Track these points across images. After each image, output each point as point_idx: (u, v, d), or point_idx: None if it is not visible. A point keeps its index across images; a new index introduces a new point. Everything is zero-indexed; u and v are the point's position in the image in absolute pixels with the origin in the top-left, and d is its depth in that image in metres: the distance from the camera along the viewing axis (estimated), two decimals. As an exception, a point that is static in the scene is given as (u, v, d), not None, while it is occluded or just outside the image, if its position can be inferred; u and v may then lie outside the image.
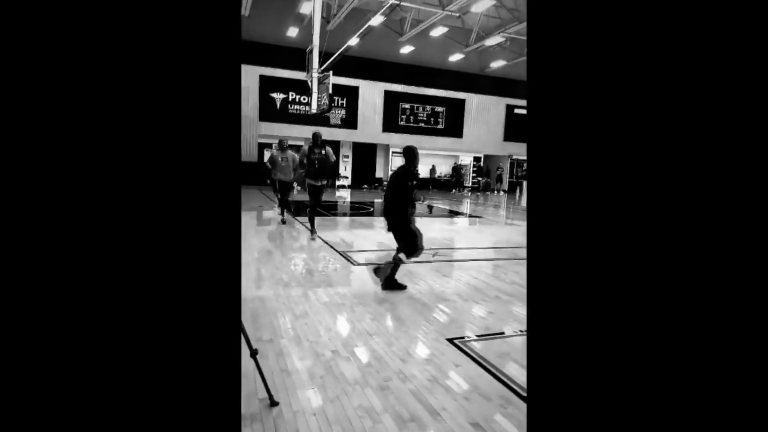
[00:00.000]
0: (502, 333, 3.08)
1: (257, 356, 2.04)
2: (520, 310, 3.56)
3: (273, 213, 8.90)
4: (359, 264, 4.95)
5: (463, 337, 2.92)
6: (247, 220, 8.19)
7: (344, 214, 10.02)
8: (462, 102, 19.11)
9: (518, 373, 2.39)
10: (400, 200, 3.81)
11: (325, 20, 13.95)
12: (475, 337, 2.94)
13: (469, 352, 2.68)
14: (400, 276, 4.03)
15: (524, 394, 2.17)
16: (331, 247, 5.79)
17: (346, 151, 18.31)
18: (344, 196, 14.65)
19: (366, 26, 10.22)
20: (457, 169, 19.45)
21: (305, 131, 16.32)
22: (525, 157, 22.66)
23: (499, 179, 19.66)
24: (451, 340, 2.84)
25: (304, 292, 3.75)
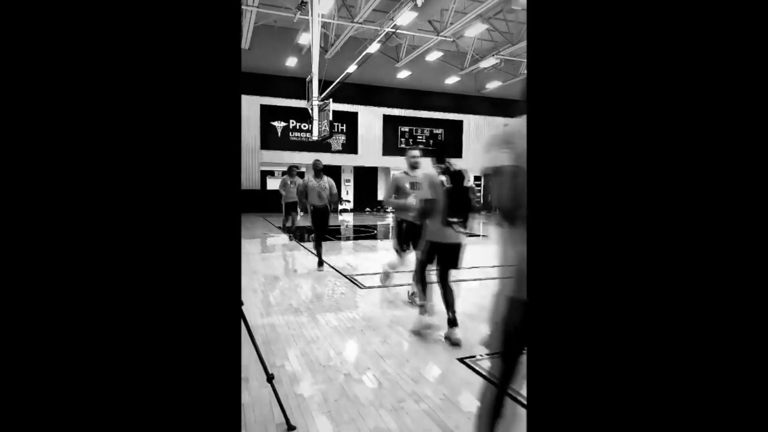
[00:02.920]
0: (512, 351, 3.10)
1: (273, 381, 2.07)
2: (529, 328, 3.59)
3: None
4: (366, 287, 4.99)
5: (473, 356, 2.94)
6: (252, 247, 8.25)
7: (348, 238, 10.08)
8: (460, 123, 19.39)
9: (530, 390, 2.42)
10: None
11: (323, 50, 14.33)
12: (486, 356, 2.96)
13: (480, 371, 2.70)
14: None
15: (537, 411, 2.19)
16: (338, 271, 5.83)
17: (348, 176, 18.49)
18: (347, 219, 14.74)
19: (364, 54, 10.50)
20: (458, 189, 19.59)
21: (307, 158, 16.54)
22: (525, 175, 22.52)
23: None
24: (462, 360, 2.87)
25: (314, 318, 3.79)
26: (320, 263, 5.97)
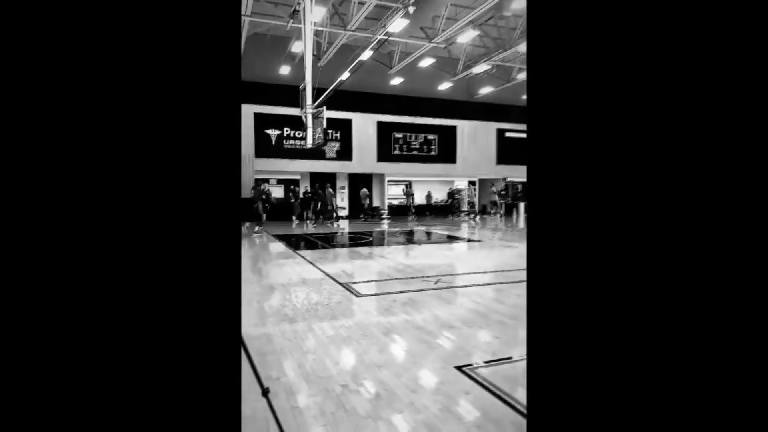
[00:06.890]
0: (510, 358, 3.08)
1: (268, 395, 2.04)
2: (525, 334, 3.57)
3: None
4: (361, 295, 4.96)
5: (470, 364, 2.92)
6: (246, 252, 8.20)
7: (343, 246, 10.05)
8: (453, 128, 19.45)
9: (529, 398, 2.40)
10: None
11: (316, 57, 14.36)
12: (483, 364, 2.94)
13: (478, 378, 2.68)
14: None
15: (536, 419, 2.17)
16: (333, 279, 5.80)
17: (342, 183, 18.48)
18: (342, 226, 14.70)
19: (357, 61, 10.53)
20: (453, 194, 19.62)
21: (301, 166, 16.52)
22: (518, 179, 22.33)
23: (495, 203, 19.74)
24: (459, 368, 2.84)
25: (310, 327, 3.76)
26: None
